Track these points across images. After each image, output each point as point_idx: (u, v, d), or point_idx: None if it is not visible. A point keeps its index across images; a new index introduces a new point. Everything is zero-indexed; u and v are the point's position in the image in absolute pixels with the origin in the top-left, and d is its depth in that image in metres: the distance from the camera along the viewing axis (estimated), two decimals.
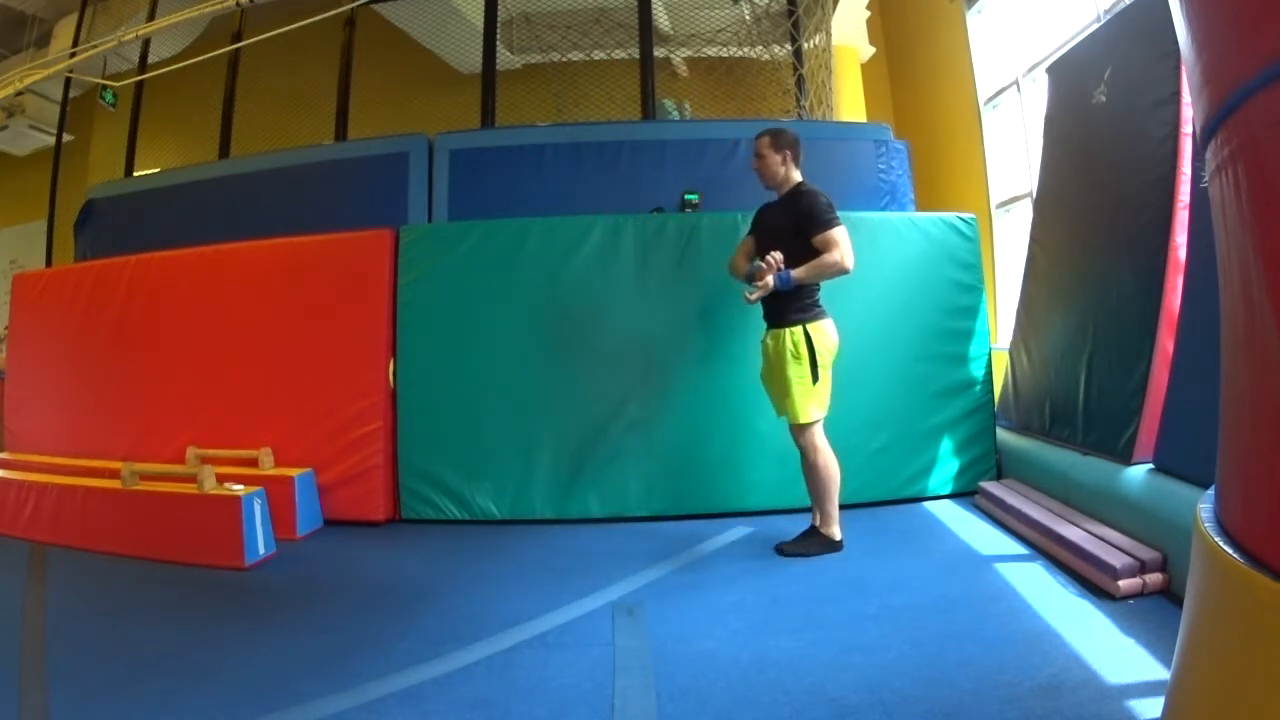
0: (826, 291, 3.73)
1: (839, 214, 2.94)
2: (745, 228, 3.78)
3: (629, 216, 3.81)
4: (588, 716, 1.79)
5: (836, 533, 2.96)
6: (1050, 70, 4.09)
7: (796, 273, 2.88)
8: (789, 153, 3.00)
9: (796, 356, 2.89)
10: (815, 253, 2.90)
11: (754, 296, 2.93)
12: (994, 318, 5.23)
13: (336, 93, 4.93)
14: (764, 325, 3.07)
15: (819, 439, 2.94)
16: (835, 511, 2.96)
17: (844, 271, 2.90)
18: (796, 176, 3.04)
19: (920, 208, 4.43)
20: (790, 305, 2.94)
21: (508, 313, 3.73)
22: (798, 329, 2.91)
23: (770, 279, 2.87)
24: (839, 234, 2.88)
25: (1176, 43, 1.48)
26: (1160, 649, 1.97)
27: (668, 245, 3.72)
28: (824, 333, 2.95)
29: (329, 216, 4.13)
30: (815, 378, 2.90)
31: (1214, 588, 1.26)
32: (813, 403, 2.91)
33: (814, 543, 2.95)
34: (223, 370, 3.94)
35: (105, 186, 5.27)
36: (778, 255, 2.91)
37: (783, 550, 2.96)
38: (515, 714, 1.82)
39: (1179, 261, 2.77)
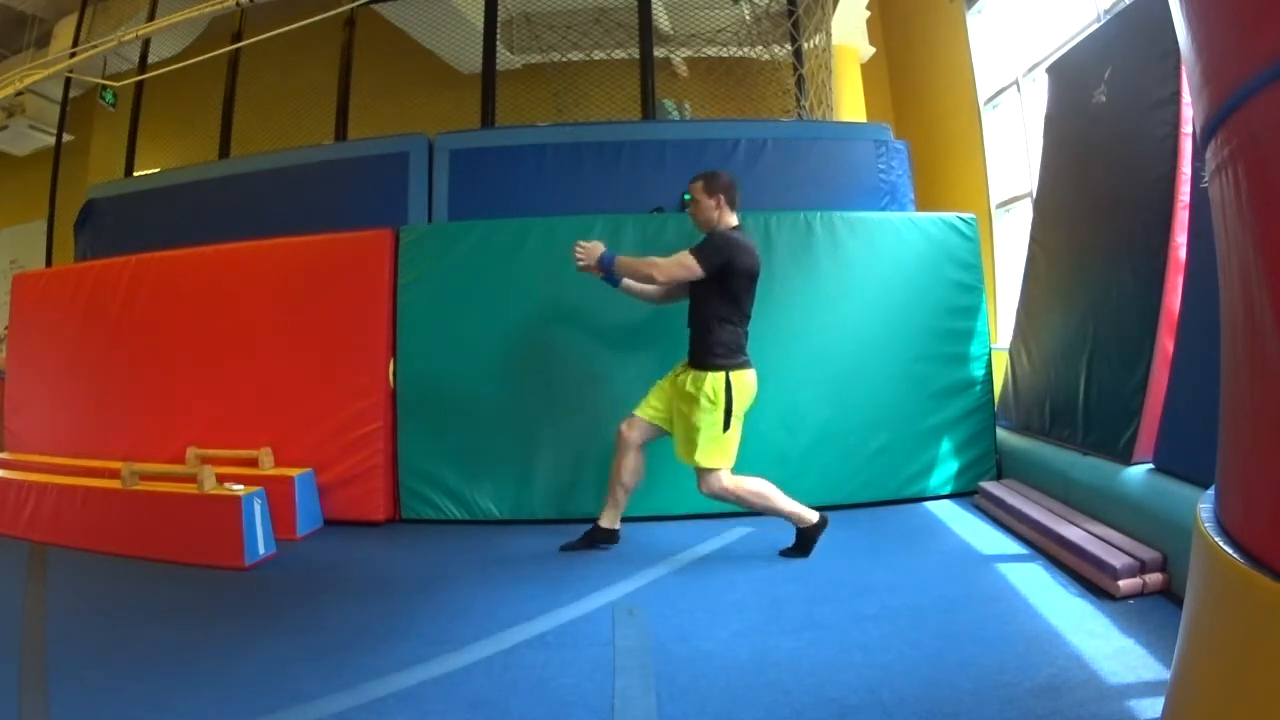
0: (824, 292, 3.74)
1: (753, 263, 2.91)
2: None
3: (629, 216, 3.81)
4: (588, 716, 1.79)
5: (808, 516, 2.95)
6: (1050, 70, 4.09)
7: (621, 258, 2.98)
8: (722, 197, 2.95)
9: (712, 403, 2.84)
10: (712, 299, 2.89)
11: (581, 266, 3.01)
12: (994, 318, 5.23)
13: (336, 93, 4.93)
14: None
15: (726, 481, 2.90)
16: (791, 507, 2.95)
17: (650, 278, 2.96)
18: (731, 220, 2.98)
19: (920, 208, 4.43)
20: (713, 349, 2.88)
21: (508, 313, 3.73)
22: (720, 375, 2.85)
23: (593, 246, 2.99)
24: (682, 256, 2.86)
25: (1176, 43, 1.48)
26: (1160, 649, 1.97)
27: (668, 245, 3.71)
28: (745, 382, 2.90)
29: (329, 216, 4.12)
30: (727, 426, 2.86)
31: (1214, 588, 1.26)
32: (718, 451, 2.87)
33: (802, 539, 2.96)
34: (223, 370, 3.94)
35: (105, 186, 5.27)
36: (595, 244, 3.01)
37: (784, 553, 2.98)
38: (515, 714, 1.82)
39: (1179, 261, 2.78)
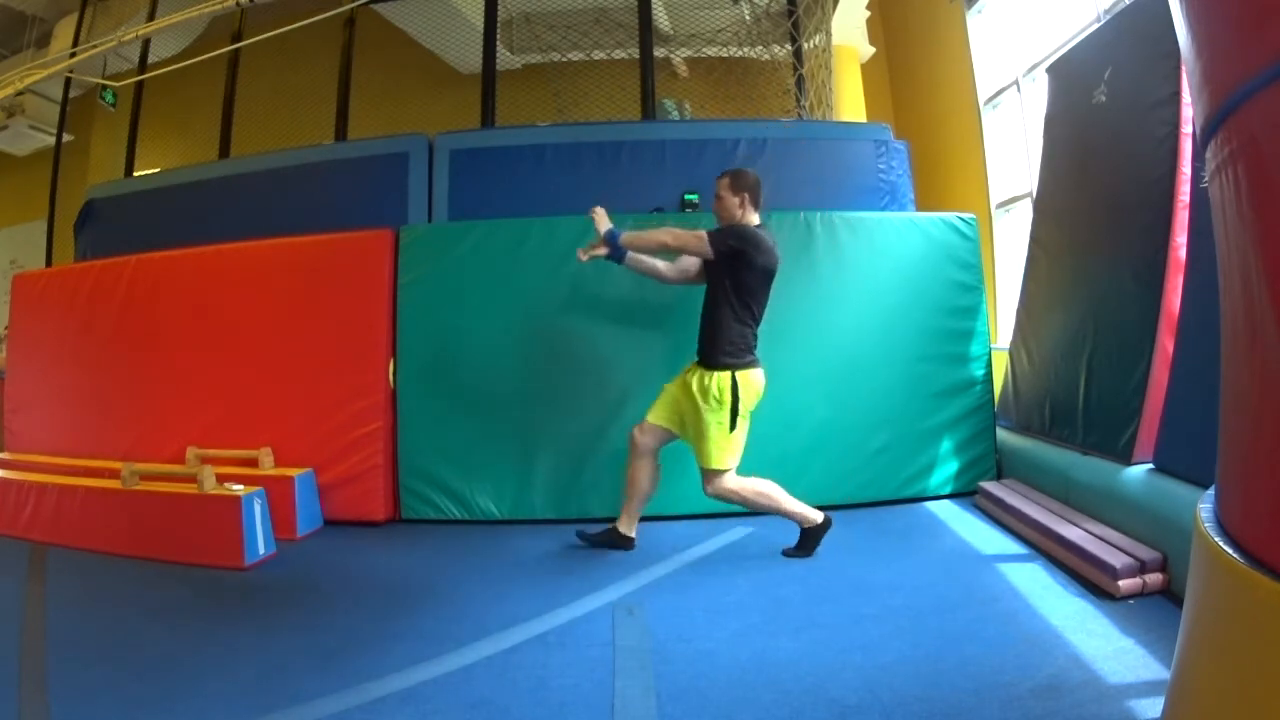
0: (824, 292, 3.74)
1: (774, 260, 2.91)
2: None
3: (629, 216, 3.80)
4: (588, 717, 1.79)
5: (812, 517, 2.96)
6: (1050, 70, 4.09)
7: (625, 236, 2.95)
8: (747, 195, 2.96)
9: (719, 402, 2.83)
10: (725, 293, 2.88)
11: (586, 256, 2.98)
12: (994, 318, 5.23)
13: (336, 93, 4.93)
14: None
15: (730, 483, 2.90)
16: (796, 507, 2.96)
17: (662, 243, 2.93)
18: (753, 219, 2.98)
19: (920, 208, 4.43)
20: (722, 347, 2.87)
21: (508, 313, 3.73)
22: (726, 375, 2.84)
23: (600, 249, 2.96)
24: (701, 231, 2.87)
25: (1176, 43, 1.48)
26: (1160, 649, 1.97)
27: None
28: (751, 382, 2.89)
29: (329, 216, 4.12)
30: (733, 426, 2.86)
31: (1214, 588, 1.26)
32: (725, 450, 2.87)
33: (806, 538, 2.96)
34: (223, 370, 3.94)
35: (105, 186, 5.27)
36: (600, 211, 3.00)
37: (786, 553, 2.97)
38: (515, 714, 1.82)
39: (1179, 261, 2.78)
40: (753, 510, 3.00)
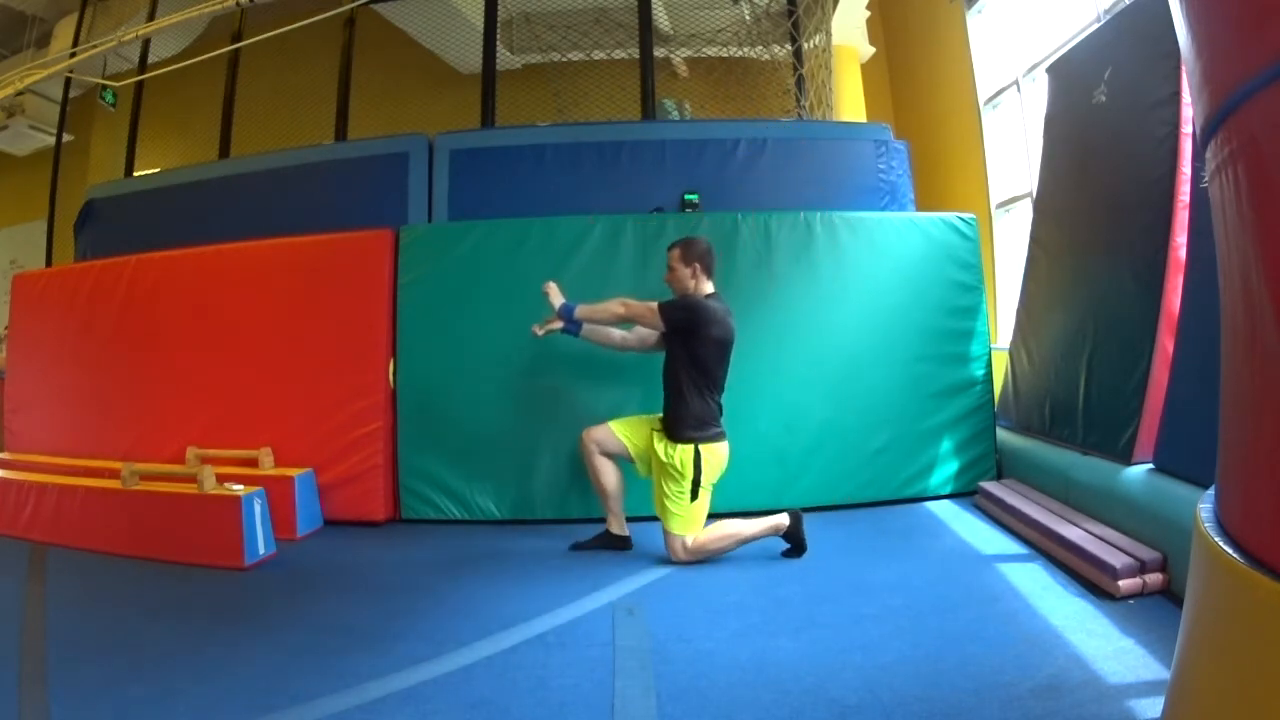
0: (824, 292, 3.74)
1: (725, 331, 2.90)
2: (745, 227, 3.78)
3: (629, 216, 3.81)
4: (588, 717, 1.79)
5: (780, 522, 2.93)
6: (1050, 70, 4.09)
7: (580, 309, 2.97)
8: (699, 265, 2.96)
9: (681, 475, 2.84)
10: (683, 366, 2.88)
11: (542, 331, 3.05)
12: (994, 318, 5.23)
13: (336, 93, 4.93)
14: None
15: (691, 544, 2.88)
16: (760, 527, 2.92)
17: (616, 315, 2.95)
18: (707, 288, 2.99)
19: (920, 208, 4.43)
20: (686, 420, 2.87)
21: (508, 313, 3.72)
22: (689, 448, 2.84)
23: (555, 322, 3.01)
24: (651, 302, 2.89)
25: (1176, 43, 1.48)
26: (1160, 649, 1.97)
27: (668, 245, 3.71)
28: (715, 455, 2.90)
29: (329, 216, 4.12)
30: (694, 496, 2.86)
31: (1214, 588, 1.26)
32: (685, 521, 2.87)
33: (791, 539, 2.94)
34: (223, 370, 3.94)
35: (105, 186, 5.27)
36: (553, 285, 3.04)
37: (786, 554, 2.97)
38: (515, 714, 1.82)
39: (1179, 261, 2.77)
40: (724, 554, 2.95)
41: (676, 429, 2.89)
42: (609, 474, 3.06)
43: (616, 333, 3.14)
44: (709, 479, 2.89)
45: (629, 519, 3.15)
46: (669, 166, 4.20)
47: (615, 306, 2.95)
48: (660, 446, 2.92)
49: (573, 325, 3.04)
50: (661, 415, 3.01)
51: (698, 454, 2.85)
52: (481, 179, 4.26)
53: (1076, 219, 3.61)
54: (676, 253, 3.00)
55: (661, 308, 2.87)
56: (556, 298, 3.05)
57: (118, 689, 1.99)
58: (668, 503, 2.88)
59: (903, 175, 4.32)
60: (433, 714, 1.83)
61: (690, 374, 2.88)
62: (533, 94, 5.52)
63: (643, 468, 3.04)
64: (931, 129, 6.71)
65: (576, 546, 3.14)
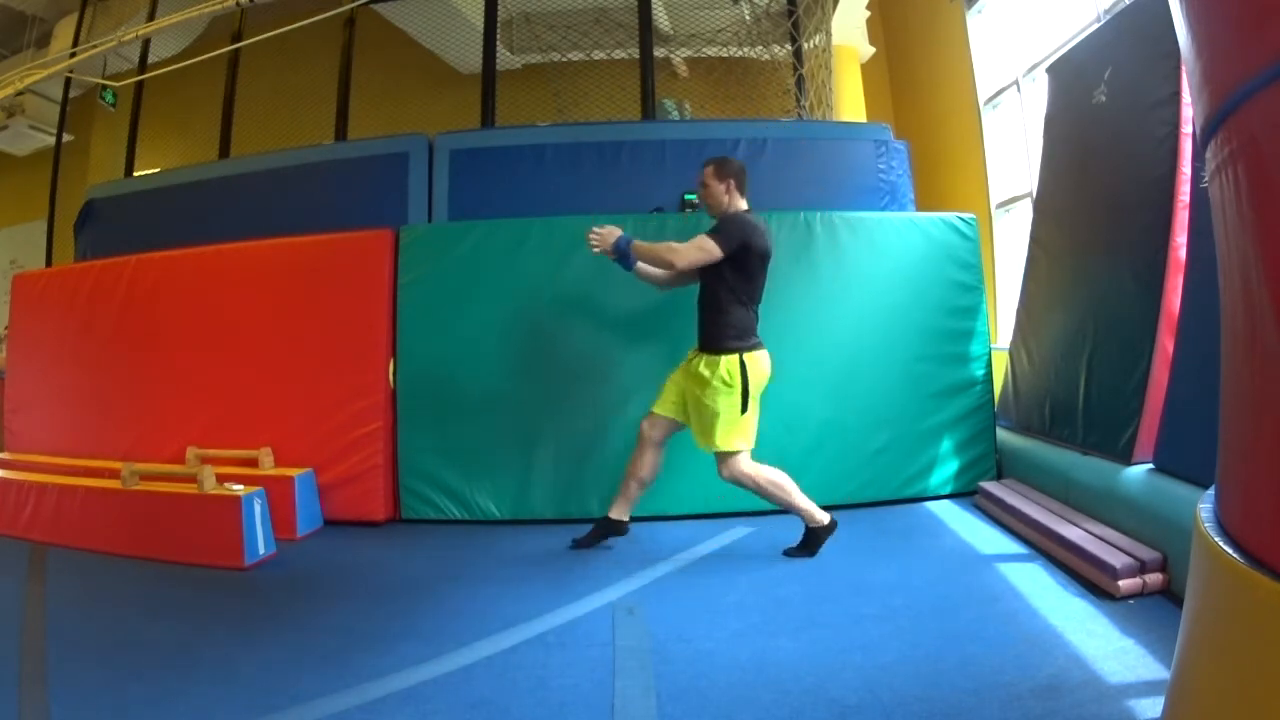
0: (824, 292, 3.74)
1: (766, 245, 2.91)
2: None
3: (629, 216, 3.80)
4: (588, 717, 1.79)
5: (820, 517, 2.95)
6: (1050, 70, 4.09)
7: (637, 243, 2.94)
8: (732, 181, 2.97)
9: (729, 385, 2.84)
10: (725, 279, 2.88)
11: (595, 250, 2.98)
12: (994, 318, 5.23)
13: (336, 93, 4.93)
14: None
15: (746, 466, 2.90)
16: (806, 504, 2.95)
17: (670, 264, 2.91)
18: (741, 205, 3.00)
19: (920, 208, 4.43)
20: (725, 331, 2.89)
21: (508, 312, 3.73)
22: (734, 358, 2.85)
23: (608, 231, 2.95)
24: (701, 239, 2.85)
25: (1176, 43, 1.48)
26: (1160, 649, 1.97)
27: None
28: (758, 363, 2.90)
29: (329, 216, 4.12)
30: (745, 408, 2.86)
31: (1214, 588, 1.26)
32: (738, 433, 2.87)
33: (812, 540, 2.95)
34: (223, 370, 3.94)
35: (105, 186, 5.27)
36: (611, 228, 2.98)
37: (789, 553, 2.97)
38: (515, 714, 1.82)
39: (1179, 261, 2.77)
40: (764, 499, 2.97)
41: (719, 342, 2.89)
42: (649, 465, 3.05)
43: (660, 272, 3.10)
44: (756, 388, 2.88)
45: (640, 518, 3.15)
46: (669, 166, 4.20)
47: (668, 255, 2.89)
48: (701, 364, 2.91)
49: (626, 261, 2.99)
50: (698, 339, 3.00)
51: (743, 363, 2.85)
52: (481, 179, 4.26)
53: (1076, 219, 3.61)
54: (710, 169, 2.99)
55: (714, 238, 2.84)
56: (613, 232, 2.97)
57: (118, 689, 2.00)
58: (719, 417, 2.84)
59: (903, 175, 4.32)
60: (433, 714, 1.83)
61: (733, 285, 2.88)
62: (533, 94, 5.52)
63: (688, 419, 3.01)
64: (931, 129, 6.71)
65: (577, 544, 3.14)
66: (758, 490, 2.94)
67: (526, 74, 5.66)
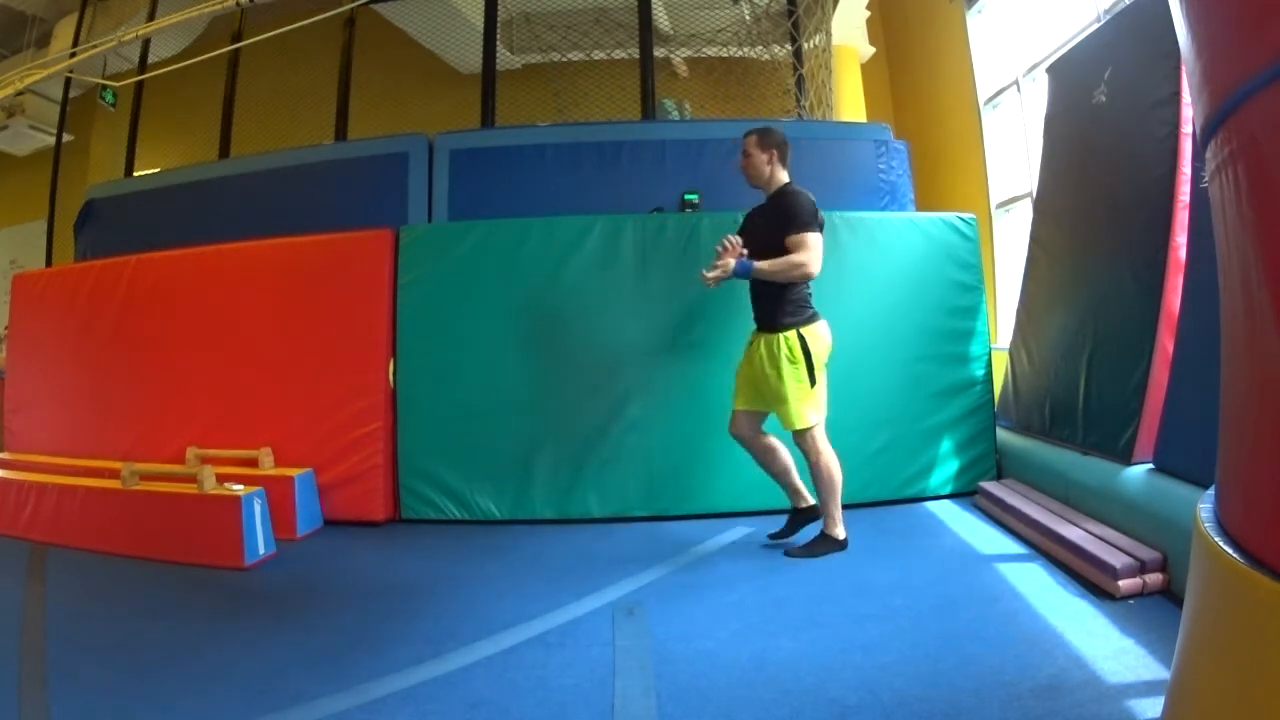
0: (823, 292, 3.73)
1: (824, 215, 2.93)
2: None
3: (629, 216, 3.81)
4: (588, 717, 1.79)
5: (840, 532, 2.96)
6: (1050, 70, 4.09)
7: (760, 265, 2.87)
8: (775, 152, 2.98)
9: (793, 361, 2.86)
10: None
11: (711, 275, 2.88)
12: (994, 318, 5.23)
13: (336, 93, 4.93)
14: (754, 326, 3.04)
15: (821, 442, 2.93)
16: (838, 513, 2.97)
17: (808, 276, 2.88)
18: (783, 177, 3.01)
19: (920, 208, 4.43)
20: (782, 308, 2.90)
21: (508, 313, 3.73)
22: (792, 333, 2.88)
23: (730, 261, 2.87)
24: (812, 239, 2.85)
25: (1176, 43, 1.48)
26: (1160, 649, 1.97)
27: (668, 245, 3.72)
28: (818, 335, 2.92)
29: (329, 216, 4.12)
30: (813, 381, 2.88)
31: (1214, 588, 1.26)
32: (810, 407, 2.89)
33: (820, 544, 2.95)
34: (222, 370, 3.94)
35: (105, 186, 5.27)
36: (736, 239, 2.94)
37: (791, 553, 2.96)
38: (515, 714, 1.82)
39: (1179, 261, 2.77)
40: (812, 479, 2.97)
41: (776, 320, 2.90)
42: (776, 459, 3.04)
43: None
44: (820, 359, 2.89)
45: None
46: (669, 166, 4.20)
47: (798, 272, 2.82)
48: (761, 344, 2.92)
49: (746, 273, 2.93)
50: (756, 320, 3.01)
51: (802, 337, 2.86)
52: (481, 179, 4.26)
53: (1076, 219, 3.61)
54: (753, 139, 2.99)
55: (807, 230, 2.83)
56: (729, 265, 2.88)
57: (118, 689, 2.00)
58: (790, 395, 2.85)
59: (903, 175, 4.32)
60: (433, 714, 1.83)
61: None
62: (533, 94, 5.52)
63: (766, 404, 2.99)
64: (931, 129, 6.71)
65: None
66: (814, 470, 2.93)
67: (526, 74, 5.66)
